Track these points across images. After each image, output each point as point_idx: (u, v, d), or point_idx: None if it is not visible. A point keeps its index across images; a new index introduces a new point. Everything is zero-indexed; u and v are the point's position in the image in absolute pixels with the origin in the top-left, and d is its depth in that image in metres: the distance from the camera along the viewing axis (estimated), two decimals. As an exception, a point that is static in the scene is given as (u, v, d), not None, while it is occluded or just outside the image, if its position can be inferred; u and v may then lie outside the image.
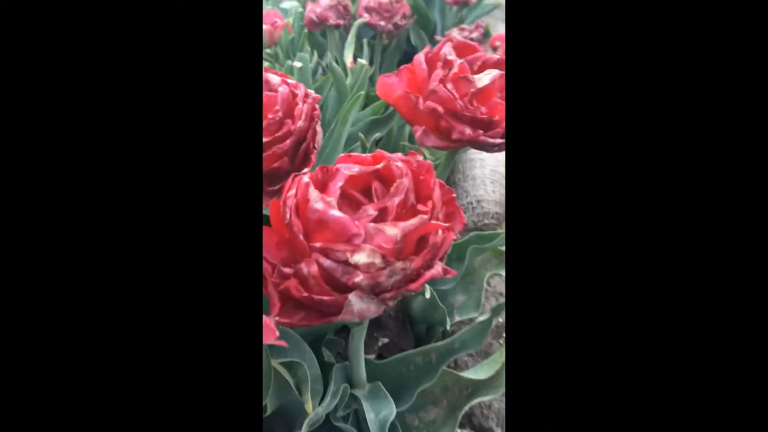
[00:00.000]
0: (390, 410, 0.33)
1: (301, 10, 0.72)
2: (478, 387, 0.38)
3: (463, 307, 0.53)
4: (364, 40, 0.60)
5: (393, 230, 0.23)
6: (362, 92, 0.43)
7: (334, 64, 0.52)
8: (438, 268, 0.24)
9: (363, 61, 0.54)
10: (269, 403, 0.30)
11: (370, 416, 0.32)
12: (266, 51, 0.60)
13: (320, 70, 0.68)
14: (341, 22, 0.65)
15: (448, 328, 0.48)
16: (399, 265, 0.23)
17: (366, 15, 0.65)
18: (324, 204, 0.23)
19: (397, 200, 0.24)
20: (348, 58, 0.57)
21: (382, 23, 0.66)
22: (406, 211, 0.24)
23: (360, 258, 0.23)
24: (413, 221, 0.23)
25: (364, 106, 0.56)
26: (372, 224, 0.23)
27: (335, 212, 0.23)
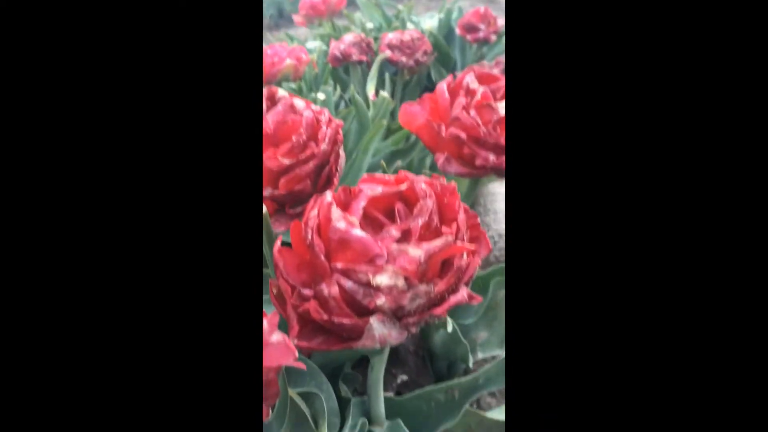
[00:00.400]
0: (409, 450, 0.31)
1: (325, 48, 0.74)
2: (501, 428, 0.36)
3: (486, 343, 0.51)
4: (386, 74, 0.61)
5: (417, 251, 0.22)
6: (384, 120, 0.43)
7: (357, 96, 0.53)
8: (463, 293, 0.23)
9: (385, 93, 0.54)
10: (284, 436, 0.29)
11: (388, 455, 0.30)
12: (290, 85, 0.62)
13: (342, 104, 0.69)
14: (364, 58, 0.67)
15: (470, 365, 0.46)
16: (423, 287, 0.22)
17: (388, 51, 0.67)
18: (346, 223, 0.23)
19: (420, 221, 0.23)
20: (370, 91, 0.58)
21: (404, 59, 0.68)
22: (429, 233, 0.24)
23: (382, 279, 0.22)
24: (437, 242, 0.22)
25: (385, 139, 0.56)
26: (395, 245, 0.22)
27: (357, 231, 0.22)
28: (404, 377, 0.53)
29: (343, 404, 0.38)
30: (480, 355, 0.51)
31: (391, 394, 0.53)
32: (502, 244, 0.67)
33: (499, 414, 0.36)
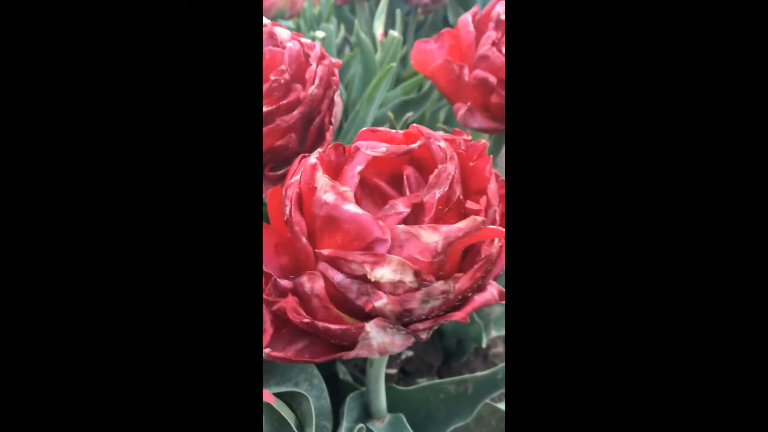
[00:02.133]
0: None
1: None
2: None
3: (500, 319, 0.46)
4: (397, 11, 0.53)
5: (432, 236, 0.16)
6: (393, 64, 0.36)
7: (362, 35, 0.45)
8: (492, 290, 0.17)
9: (395, 32, 0.47)
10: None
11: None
12: (287, 23, 0.54)
13: (348, 48, 0.62)
14: (372, -7, 0.58)
15: (483, 345, 0.41)
16: (439, 286, 0.16)
17: (400, -15, 0.58)
18: (335, 195, 0.17)
19: (438, 193, 0.17)
20: (378, 30, 0.51)
21: (418, -5, 0.59)
22: (449, 210, 0.17)
23: (384, 274, 0.16)
24: (462, 224, 0.16)
25: (394, 87, 0.49)
26: (403, 226, 0.16)
27: (351, 207, 0.16)
28: (409, 353, 0.49)
29: (340, 391, 0.33)
30: (494, 333, 0.46)
31: (395, 370, 0.49)
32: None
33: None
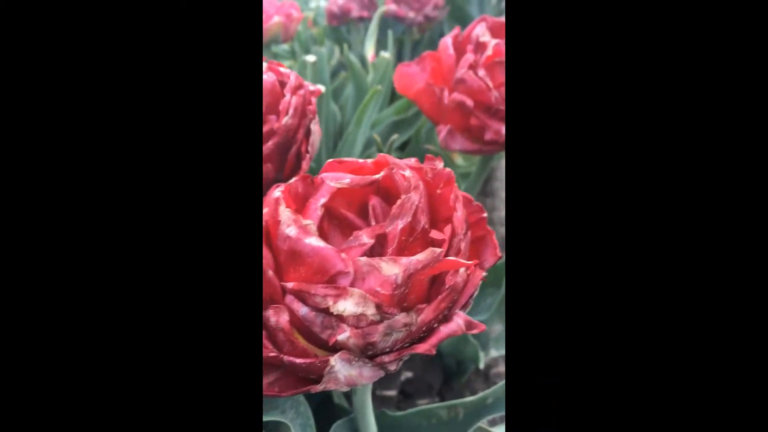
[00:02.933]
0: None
1: (324, 3, 0.66)
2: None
3: (500, 338, 0.45)
4: (389, 32, 0.54)
5: (392, 268, 0.16)
6: (380, 87, 0.36)
7: (352, 57, 0.45)
8: (459, 321, 0.17)
9: (386, 54, 0.47)
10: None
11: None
12: (282, 47, 0.55)
13: (343, 70, 0.62)
14: (365, 14, 0.59)
15: (481, 366, 0.40)
16: (401, 318, 0.16)
17: (393, 5, 0.59)
18: (297, 229, 0.17)
19: (401, 224, 0.17)
20: (369, 51, 0.51)
21: (412, 14, 0.60)
22: (414, 240, 0.17)
23: (345, 307, 0.16)
24: (421, 256, 0.16)
25: (389, 107, 0.49)
26: (364, 259, 0.16)
27: (312, 240, 0.16)
28: (409, 374, 0.48)
29: (335, 417, 0.33)
30: (494, 353, 0.45)
31: (394, 392, 0.48)
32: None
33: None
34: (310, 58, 0.44)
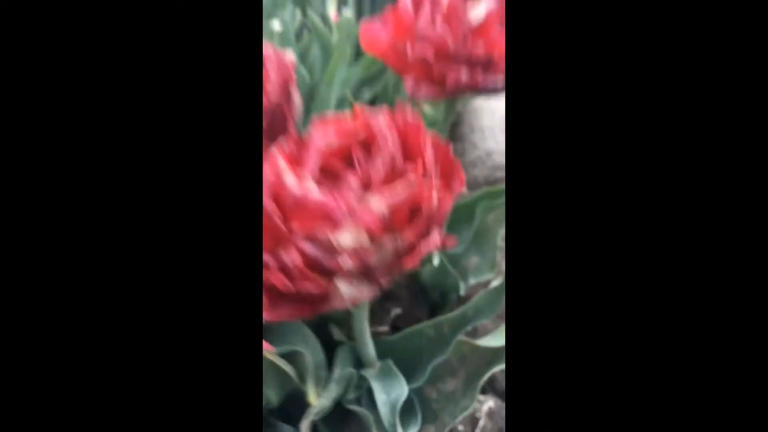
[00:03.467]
0: (401, 390, 0.30)
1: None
2: (497, 354, 0.35)
3: (477, 269, 0.50)
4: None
5: (377, 203, 0.19)
6: (345, 46, 0.39)
7: (316, 19, 0.47)
8: (435, 237, 0.21)
9: (348, 13, 0.49)
10: (271, 397, 0.28)
11: (380, 397, 0.30)
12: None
13: (306, 31, 0.63)
14: (322, -28, 0.60)
15: (461, 293, 0.45)
16: (388, 240, 0.20)
17: (348, -39, 0.59)
18: (298, 182, 0.20)
19: (381, 165, 0.21)
20: (331, 11, 0.52)
21: (367, -31, 0.60)
22: (394, 176, 0.21)
23: (344, 239, 0.20)
24: (399, 190, 0.19)
25: (356, 64, 0.51)
26: (355, 197, 0.20)
27: (312, 190, 0.20)
28: (398, 311, 0.53)
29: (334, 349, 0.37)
30: (472, 281, 0.50)
31: (386, 328, 0.53)
32: (490, 163, 0.64)
33: (491, 340, 0.36)
34: (276, 25, 0.45)
